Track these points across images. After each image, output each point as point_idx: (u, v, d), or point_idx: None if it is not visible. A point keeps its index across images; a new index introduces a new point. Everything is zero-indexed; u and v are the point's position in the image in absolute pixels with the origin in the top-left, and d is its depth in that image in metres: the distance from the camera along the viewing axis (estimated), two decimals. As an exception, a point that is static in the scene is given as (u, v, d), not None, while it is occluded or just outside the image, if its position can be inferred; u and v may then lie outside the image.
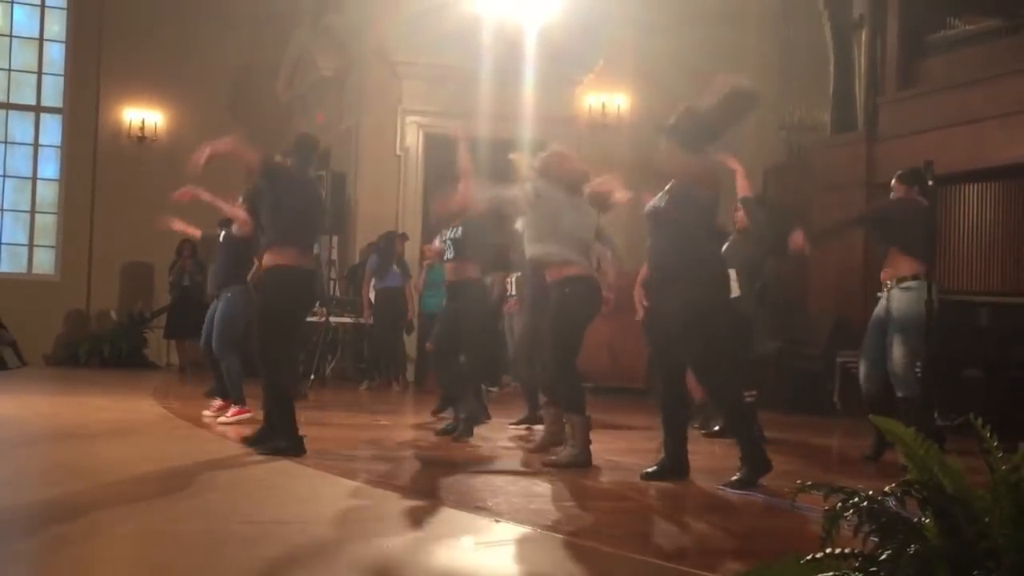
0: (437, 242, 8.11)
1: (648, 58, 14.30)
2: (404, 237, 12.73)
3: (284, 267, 6.26)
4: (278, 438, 6.22)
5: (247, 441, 6.52)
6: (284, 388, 6.42)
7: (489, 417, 7.77)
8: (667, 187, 5.66)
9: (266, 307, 6.42)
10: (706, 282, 5.47)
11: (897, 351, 6.70)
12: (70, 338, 16.18)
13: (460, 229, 7.61)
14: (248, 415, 7.89)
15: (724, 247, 7.85)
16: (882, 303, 6.94)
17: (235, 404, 8.14)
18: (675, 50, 13.98)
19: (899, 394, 6.68)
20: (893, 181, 7.14)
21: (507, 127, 13.63)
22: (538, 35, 13.61)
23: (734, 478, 5.37)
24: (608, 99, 14.80)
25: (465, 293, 7.59)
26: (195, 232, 9.76)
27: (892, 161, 11.16)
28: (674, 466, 5.63)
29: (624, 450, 7.05)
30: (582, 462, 6.08)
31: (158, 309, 15.92)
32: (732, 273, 7.92)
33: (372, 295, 12.27)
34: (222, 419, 8.06)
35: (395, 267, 12.15)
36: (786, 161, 13.92)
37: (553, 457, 6.28)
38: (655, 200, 5.65)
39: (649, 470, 5.68)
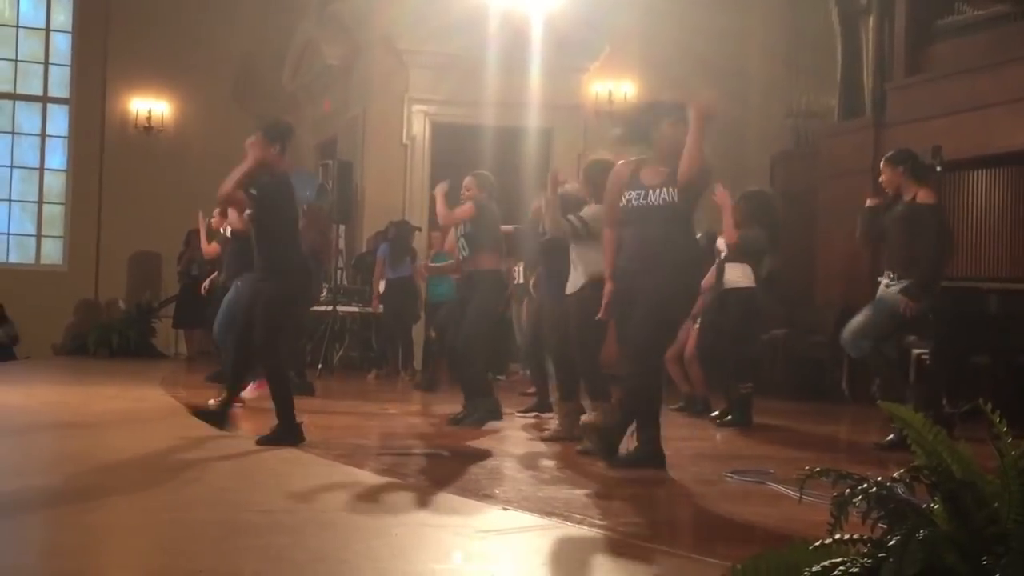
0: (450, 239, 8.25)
1: (655, 45, 14.25)
2: (416, 229, 12.67)
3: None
4: (278, 427, 6.28)
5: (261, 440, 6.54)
6: (284, 375, 6.50)
7: (501, 418, 7.74)
8: (660, 179, 5.57)
9: (267, 296, 6.48)
10: (690, 280, 5.50)
11: (858, 318, 6.95)
12: (79, 328, 16.20)
13: (470, 225, 7.66)
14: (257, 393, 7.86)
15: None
16: (882, 288, 6.98)
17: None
18: (682, 36, 13.94)
19: (851, 355, 6.98)
20: (883, 164, 7.13)
21: (514, 115, 13.62)
22: (544, 22, 13.56)
23: (625, 450, 5.54)
24: (615, 86, 14.75)
25: (482, 283, 7.62)
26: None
27: (900, 147, 11.11)
28: (650, 455, 5.63)
29: (632, 437, 7.04)
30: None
31: (166, 298, 15.95)
32: (748, 268, 8.01)
33: (382, 284, 12.27)
34: (245, 394, 8.00)
35: (407, 258, 12.14)
36: (793, 148, 13.88)
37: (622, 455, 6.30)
38: (658, 193, 5.55)
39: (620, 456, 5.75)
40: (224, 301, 8.56)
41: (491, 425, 7.52)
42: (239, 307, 7.32)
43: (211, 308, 9.23)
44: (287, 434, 6.22)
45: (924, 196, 6.93)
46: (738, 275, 8.00)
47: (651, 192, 5.54)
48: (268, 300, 6.44)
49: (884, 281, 7.00)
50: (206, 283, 10.19)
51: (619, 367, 5.72)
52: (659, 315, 5.43)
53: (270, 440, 6.18)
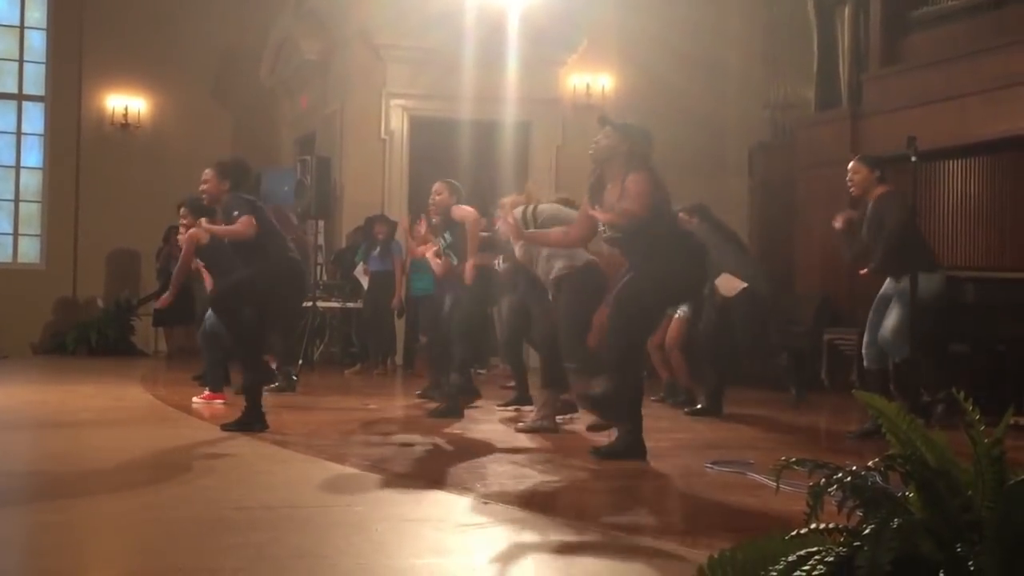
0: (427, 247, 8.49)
1: (632, 38, 14.28)
2: (391, 223, 12.58)
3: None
4: (246, 414, 6.53)
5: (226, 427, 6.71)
6: (262, 368, 6.77)
7: (479, 396, 7.98)
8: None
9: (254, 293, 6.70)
10: (661, 271, 5.55)
11: (892, 318, 6.86)
12: (57, 327, 16.12)
13: (450, 235, 7.98)
14: (221, 401, 8.02)
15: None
16: (889, 282, 7.04)
17: (212, 390, 8.25)
18: (659, 30, 13.98)
19: (895, 359, 6.85)
20: (856, 163, 7.18)
21: (492, 109, 13.62)
22: (521, 16, 13.57)
23: (604, 445, 5.62)
24: (592, 80, 14.77)
25: (467, 285, 7.85)
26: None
27: (876, 137, 11.17)
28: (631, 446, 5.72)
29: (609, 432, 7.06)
30: (550, 428, 6.70)
31: (145, 296, 15.87)
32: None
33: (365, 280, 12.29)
34: (196, 399, 8.16)
35: (376, 251, 12.07)
36: (771, 139, 13.93)
37: (521, 423, 6.90)
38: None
39: (600, 448, 5.79)
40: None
41: (472, 418, 7.57)
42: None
43: (195, 306, 9.25)
44: (252, 420, 6.46)
45: (881, 189, 7.06)
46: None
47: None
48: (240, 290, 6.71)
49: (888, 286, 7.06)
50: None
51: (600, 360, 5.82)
52: (630, 308, 5.47)
53: (235, 426, 6.45)
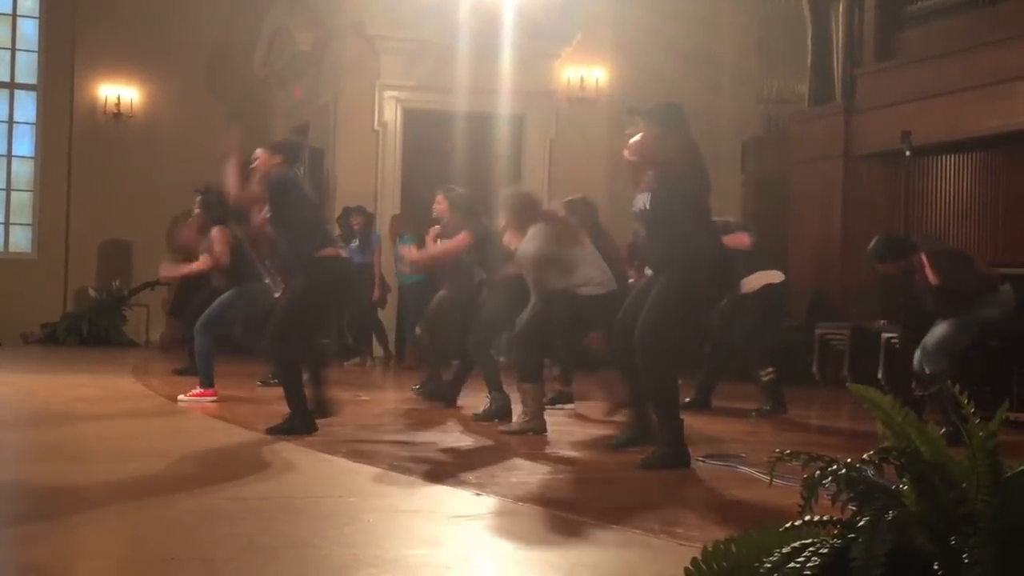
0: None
1: (627, 31, 14.26)
2: (368, 213, 12.56)
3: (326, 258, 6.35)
4: (291, 418, 6.18)
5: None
6: (295, 366, 6.40)
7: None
8: (648, 184, 5.52)
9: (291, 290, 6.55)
10: (696, 272, 5.37)
11: (940, 329, 6.82)
12: (48, 316, 16.06)
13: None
14: (211, 398, 7.83)
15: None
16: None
17: (201, 385, 8.04)
18: (654, 23, 13.95)
19: (927, 371, 6.77)
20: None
21: (486, 101, 13.60)
22: (515, 8, 13.55)
23: (645, 457, 5.30)
24: (586, 72, 14.75)
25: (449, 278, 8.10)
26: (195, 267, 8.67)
27: (870, 132, 11.18)
28: (642, 436, 5.67)
29: (604, 423, 7.07)
30: (537, 428, 6.45)
31: (137, 286, 15.84)
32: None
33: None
34: (183, 397, 7.93)
35: (354, 243, 12.02)
36: (764, 134, 13.93)
37: (505, 426, 6.67)
38: (640, 200, 5.52)
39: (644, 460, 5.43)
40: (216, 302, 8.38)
41: (464, 410, 7.60)
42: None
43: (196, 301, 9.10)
44: (299, 424, 6.11)
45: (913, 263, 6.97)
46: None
47: (638, 198, 5.55)
48: (291, 293, 6.49)
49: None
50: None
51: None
52: (657, 314, 5.35)
53: (281, 430, 6.06)
